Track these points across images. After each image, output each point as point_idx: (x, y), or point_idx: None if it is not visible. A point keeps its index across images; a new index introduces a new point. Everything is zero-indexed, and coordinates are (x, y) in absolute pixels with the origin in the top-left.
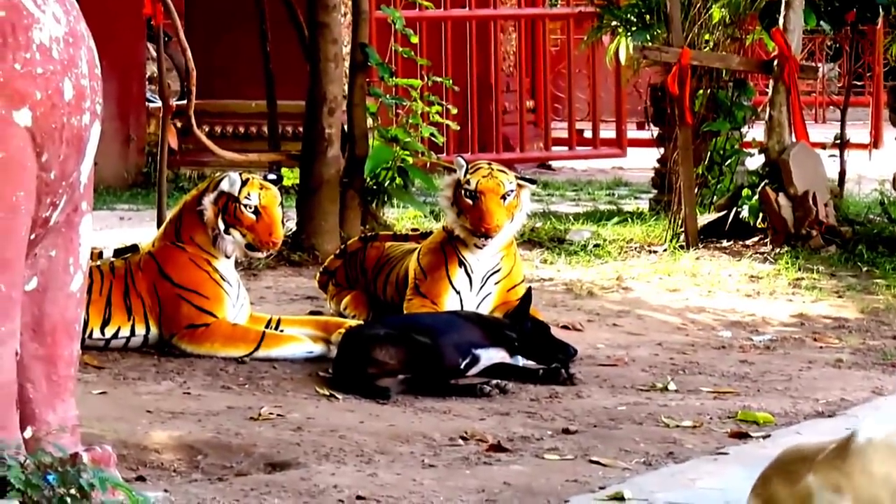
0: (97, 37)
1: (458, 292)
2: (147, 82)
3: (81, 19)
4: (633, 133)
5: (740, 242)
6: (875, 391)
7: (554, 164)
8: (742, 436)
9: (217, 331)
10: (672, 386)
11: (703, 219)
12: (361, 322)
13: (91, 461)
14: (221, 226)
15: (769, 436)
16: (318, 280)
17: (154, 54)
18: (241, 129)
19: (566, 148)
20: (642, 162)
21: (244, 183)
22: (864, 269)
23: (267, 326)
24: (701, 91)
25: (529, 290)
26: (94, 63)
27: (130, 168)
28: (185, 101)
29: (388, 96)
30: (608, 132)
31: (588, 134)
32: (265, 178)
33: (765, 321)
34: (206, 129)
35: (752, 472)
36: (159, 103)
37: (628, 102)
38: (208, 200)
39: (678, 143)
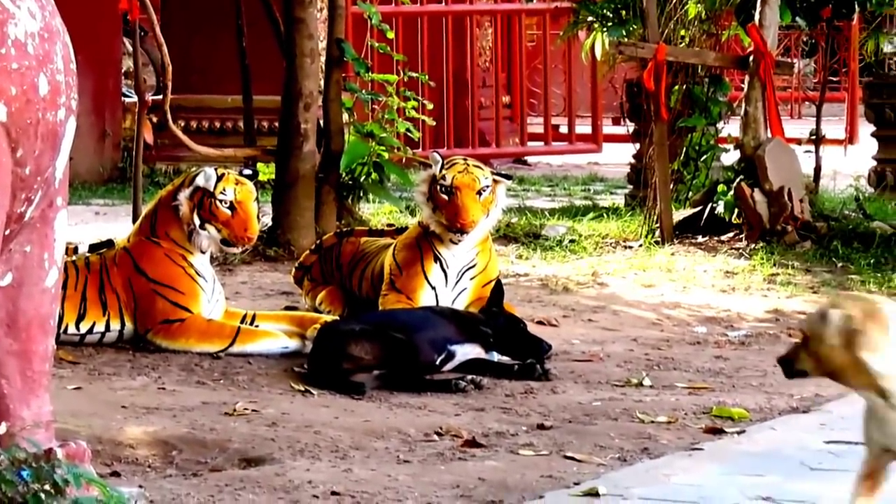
0: (73, 32)
1: (433, 288)
2: (123, 77)
3: (57, 14)
4: (608, 128)
5: (715, 238)
6: None
7: (530, 159)
8: (717, 431)
9: (192, 326)
10: (647, 381)
11: (679, 214)
12: (337, 317)
13: (65, 457)
14: (197, 221)
15: (744, 431)
16: (294, 275)
17: (130, 49)
18: (217, 125)
19: (542, 143)
20: (618, 157)
21: (219, 178)
22: (839, 264)
23: (242, 322)
24: (676, 87)
25: (499, 283)
26: (70, 58)
27: (106, 163)
28: (160, 97)
29: (363, 92)
30: (584, 127)
31: (564, 129)
32: (241, 174)
33: (740, 317)
34: (182, 125)
35: (726, 468)
36: (135, 98)
37: (604, 98)
38: (184, 196)
39: (654, 138)
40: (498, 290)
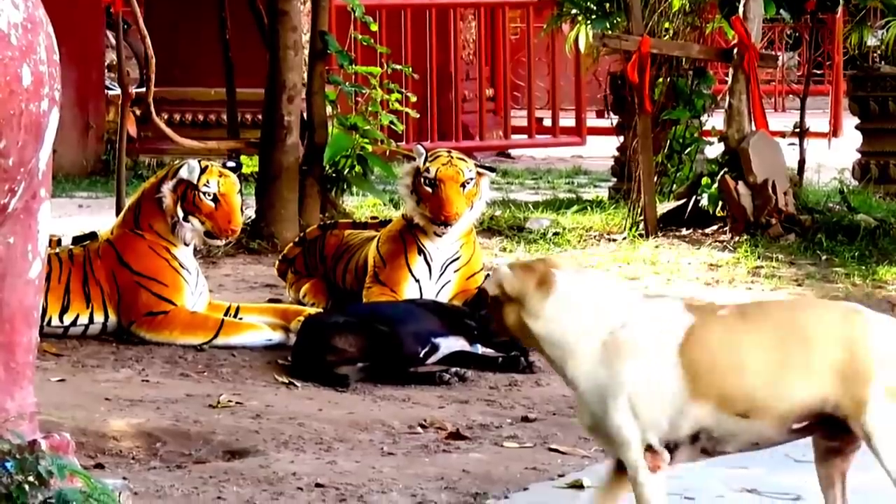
0: (56, 24)
1: (417, 280)
2: (106, 70)
3: (40, 5)
4: (592, 121)
5: (700, 231)
6: None
7: (513, 152)
8: None
9: (176, 318)
10: None
11: (663, 207)
12: (320, 310)
13: (49, 448)
14: (180, 213)
15: None
16: (277, 268)
17: (113, 42)
18: (200, 117)
19: (525, 136)
20: (602, 150)
21: (203, 170)
22: (824, 257)
23: (226, 314)
24: (660, 79)
25: (487, 277)
26: (53, 49)
27: (89, 156)
28: (144, 89)
29: (347, 84)
30: (568, 120)
31: (548, 122)
32: (224, 166)
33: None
34: (165, 117)
35: (710, 460)
36: (118, 91)
37: (588, 91)
38: (167, 188)
39: (638, 131)
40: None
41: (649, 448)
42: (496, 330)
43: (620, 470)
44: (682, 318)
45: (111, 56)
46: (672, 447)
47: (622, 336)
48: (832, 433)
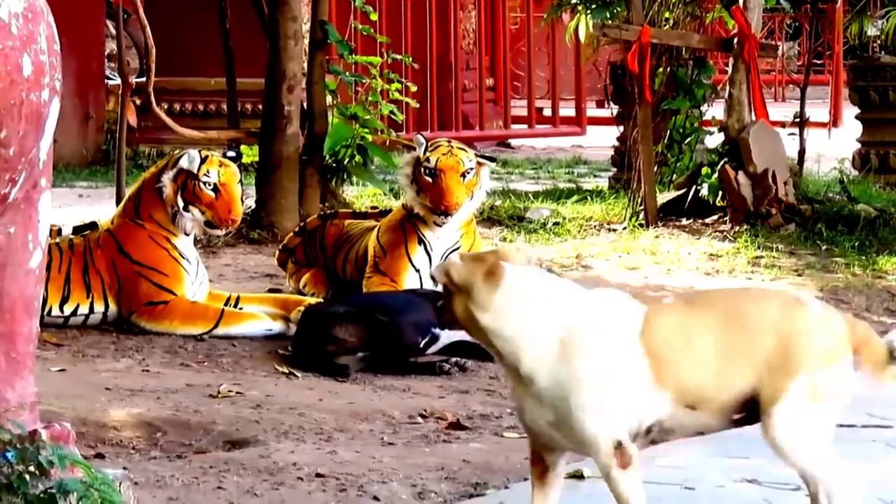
0: (56, 14)
1: (417, 270)
2: (106, 60)
3: None
4: (592, 111)
5: (700, 221)
6: None
7: (513, 142)
8: None
9: (176, 308)
10: None
11: (663, 197)
12: (321, 300)
13: (50, 438)
14: (181, 203)
15: None
16: (278, 258)
17: (113, 32)
18: (200, 107)
19: (525, 126)
20: (602, 140)
21: (203, 160)
22: (824, 247)
23: (226, 304)
24: (661, 69)
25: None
26: (54, 39)
27: (89, 145)
28: (144, 79)
29: (347, 74)
30: (568, 110)
31: (548, 112)
32: (224, 156)
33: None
34: (166, 107)
35: (711, 450)
36: (118, 80)
37: (588, 81)
38: (167, 178)
39: (638, 121)
40: None
41: (618, 445)
42: (447, 321)
43: (542, 467)
44: (635, 308)
45: (111, 46)
46: (632, 440)
47: (579, 330)
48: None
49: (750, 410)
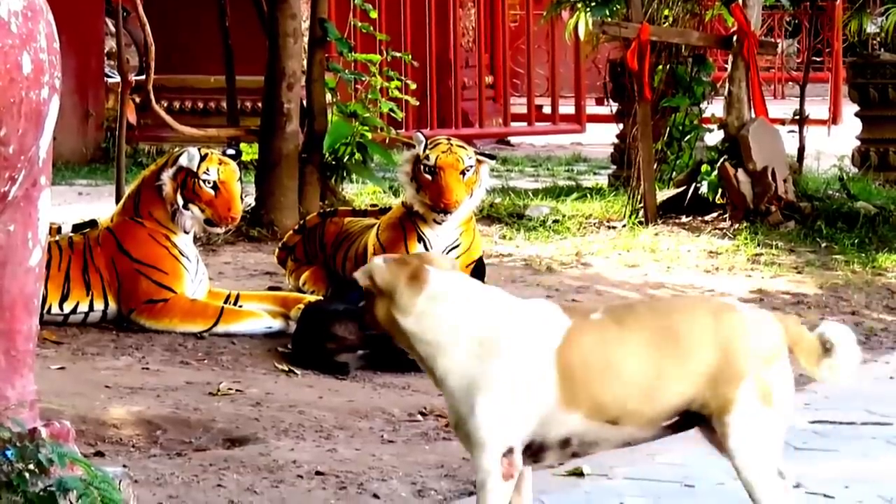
0: (56, 12)
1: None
2: (106, 58)
3: None
4: (592, 108)
5: (699, 218)
6: None
7: (513, 139)
8: None
9: (176, 306)
10: None
11: (663, 194)
12: (320, 297)
13: (50, 436)
14: (180, 201)
15: None
16: (277, 255)
17: (113, 30)
18: (200, 105)
19: (525, 124)
20: (601, 137)
21: (203, 158)
22: (823, 244)
23: (226, 302)
24: (660, 67)
25: (481, 262)
26: (53, 37)
27: (89, 143)
28: (143, 77)
29: (346, 71)
30: (567, 108)
31: (547, 110)
32: (224, 154)
33: (724, 296)
34: (165, 105)
35: (711, 449)
36: (118, 79)
37: (587, 78)
38: (167, 176)
39: (637, 118)
40: (479, 269)
41: (509, 452)
42: (368, 323)
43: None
44: (559, 321)
45: (110, 43)
46: (538, 449)
47: (496, 336)
48: (709, 427)
49: (684, 418)
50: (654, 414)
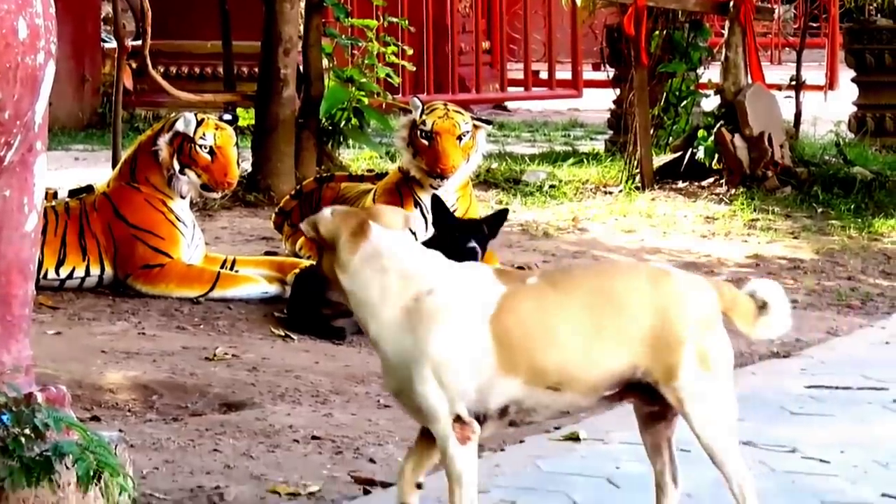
0: None
1: (413, 233)
2: (102, 23)
3: None
4: (588, 74)
5: (696, 183)
6: (830, 332)
7: (510, 104)
8: None
9: (172, 271)
10: None
11: (659, 160)
12: (316, 263)
13: (45, 401)
14: (177, 166)
15: None
16: (274, 220)
17: None
18: (197, 70)
19: (522, 89)
20: (598, 103)
21: (199, 123)
22: (820, 210)
23: (222, 267)
24: (657, 32)
25: (505, 211)
26: (49, 2)
27: (85, 108)
28: (140, 42)
29: (343, 37)
30: (564, 73)
31: (544, 75)
32: (220, 119)
33: (720, 262)
34: (162, 70)
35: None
36: (114, 44)
37: (584, 43)
38: (163, 141)
39: (634, 84)
40: (501, 215)
41: (458, 419)
42: (322, 274)
43: (429, 435)
44: (493, 287)
45: (107, 9)
46: (481, 419)
47: (429, 302)
48: (649, 398)
49: (625, 387)
50: (595, 380)
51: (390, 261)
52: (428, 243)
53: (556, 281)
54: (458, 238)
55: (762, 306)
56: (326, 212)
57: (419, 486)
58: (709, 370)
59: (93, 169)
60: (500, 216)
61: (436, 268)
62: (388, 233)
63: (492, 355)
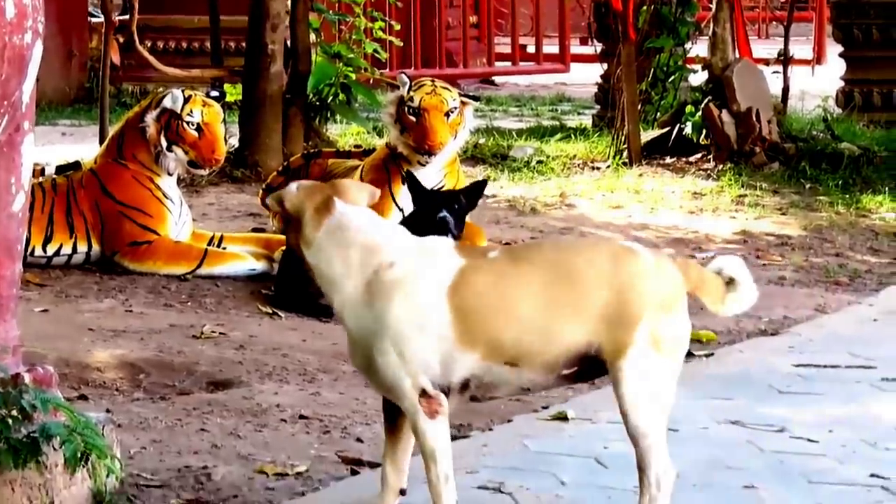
0: None
1: (401, 210)
2: None
3: None
4: (576, 48)
5: (683, 159)
6: (818, 309)
7: (497, 79)
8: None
9: (159, 248)
10: None
11: (647, 135)
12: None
13: (33, 382)
14: (164, 143)
15: (712, 354)
16: (261, 197)
17: None
18: (184, 45)
19: (509, 63)
20: (586, 77)
21: (186, 100)
22: (808, 185)
23: (209, 243)
24: (644, 7)
25: (483, 183)
26: None
27: (73, 83)
28: (127, 17)
29: (331, 12)
30: (552, 47)
31: (531, 49)
32: (208, 95)
33: (708, 238)
34: (149, 45)
35: (694, 391)
36: (102, 18)
37: (571, 17)
38: (151, 117)
39: (622, 59)
40: (479, 186)
41: (424, 393)
42: (292, 247)
43: (394, 421)
44: (451, 261)
45: None
46: (445, 393)
47: (388, 276)
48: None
49: (585, 365)
50: (552, 356)
51: (353, 235)
52: (405, 218)
53: (517, 256)
54: (430, 209)
55: (729, 282)
56: (292, 186)
57: (402, 492)
58: (660, 352)
59: (80, 144)
60: (478, 187)
61: (397, 241)
62: (352, 208)
63: (449, 328)
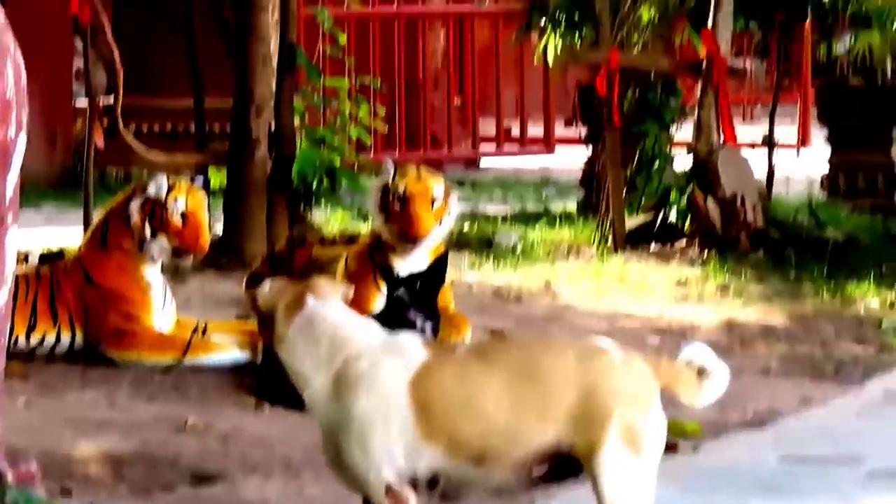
0: (24, 34)
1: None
2: (74, 76)
3: (7, 31)
4: (561, 130)
5: (668, 246)
6: (803, 400)
7: (482, 162)
8: (670, 448)
9: (143, 338)
10: None
11: (632, 221)
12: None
13: (16, 480)
14: (148, 231)
15: (697, 448)
16: (245, 285)
17: (80, 49)
18: (169, 127)
19: (494, 145)
20: (570, 159)
21: (171, 187)
22: (792, 273)
23: (193, 332)
24: (630, 91)
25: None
26: (20, 75)
27: (56, 167)
28: (111, 96)
29: (316, 96)
30: (536, 129)
31: (516, 131)
32: (192, 181)
33: (693, 327)
34: (134, 127)
35: (682, 486)
36: (86, 100)
37: (556, 98)
38: (135, 206)
39: (606, 146)
40: (439, 261)
41: (389, 490)
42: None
43: None
44: (416, 355)
45: (78, 64)
46: (414, 486)
47: (353, 369)
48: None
49: (559, 464)
50: (518, 455)
51: (322, 330)
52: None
53: (483, 353)
54: (390, 293)
55: (700, 372)
56: (267, 283)
57: None
58: (635, 449)
59: (64, 228)
60: (438, 263)
61: (365, 335)
62: (322, 304)
63: (411, 422)
